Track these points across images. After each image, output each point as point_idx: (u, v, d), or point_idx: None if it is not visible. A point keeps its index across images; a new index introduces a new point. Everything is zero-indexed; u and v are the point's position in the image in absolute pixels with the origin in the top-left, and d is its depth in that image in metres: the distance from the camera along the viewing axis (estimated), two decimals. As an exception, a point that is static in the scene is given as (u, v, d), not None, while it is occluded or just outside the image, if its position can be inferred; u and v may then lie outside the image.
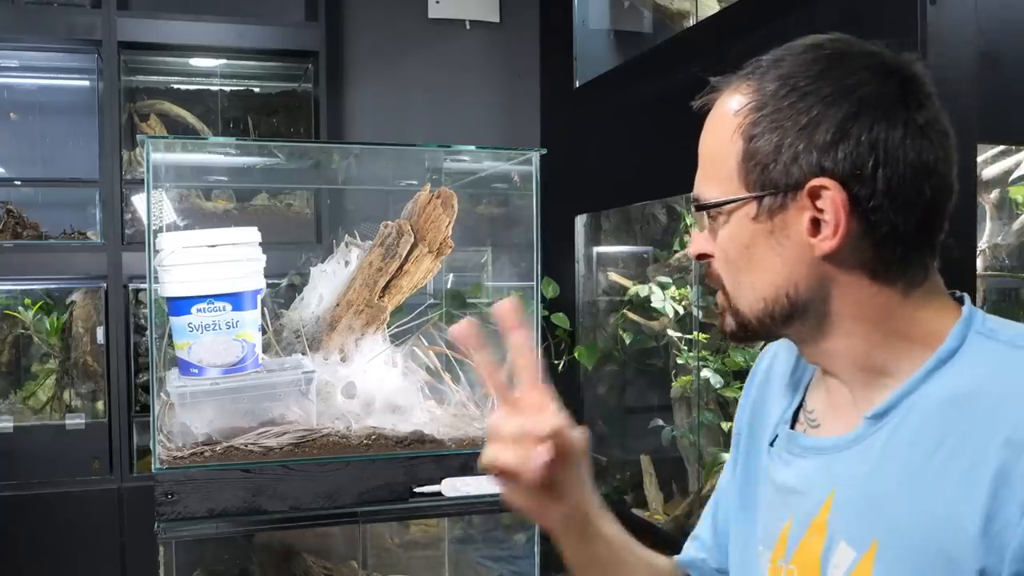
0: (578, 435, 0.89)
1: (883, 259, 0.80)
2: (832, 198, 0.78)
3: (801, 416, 0.93)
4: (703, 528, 1.10)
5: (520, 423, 0.85)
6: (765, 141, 0.80)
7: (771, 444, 0.93)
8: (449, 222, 1.83)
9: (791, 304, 0.83)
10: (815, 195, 0.79)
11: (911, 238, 0.80)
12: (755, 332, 0.87)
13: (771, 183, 0.80)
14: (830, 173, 0.78)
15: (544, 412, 0.87)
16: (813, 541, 0.84)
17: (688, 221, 3.10)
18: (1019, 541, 0.70)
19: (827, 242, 0.79)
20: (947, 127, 0.81)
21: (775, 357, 1.03)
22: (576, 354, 3.35)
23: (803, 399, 0.94)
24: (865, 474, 0.80)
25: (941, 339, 0.80)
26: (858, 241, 0.79)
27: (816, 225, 0.79)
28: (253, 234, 1.70)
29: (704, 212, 0.86)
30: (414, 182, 2.11)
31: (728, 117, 0.83)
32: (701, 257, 0.89)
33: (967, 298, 0.85)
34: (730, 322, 0.88)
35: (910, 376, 0.80)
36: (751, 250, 0.83)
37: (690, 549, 1.10)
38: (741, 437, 1.03)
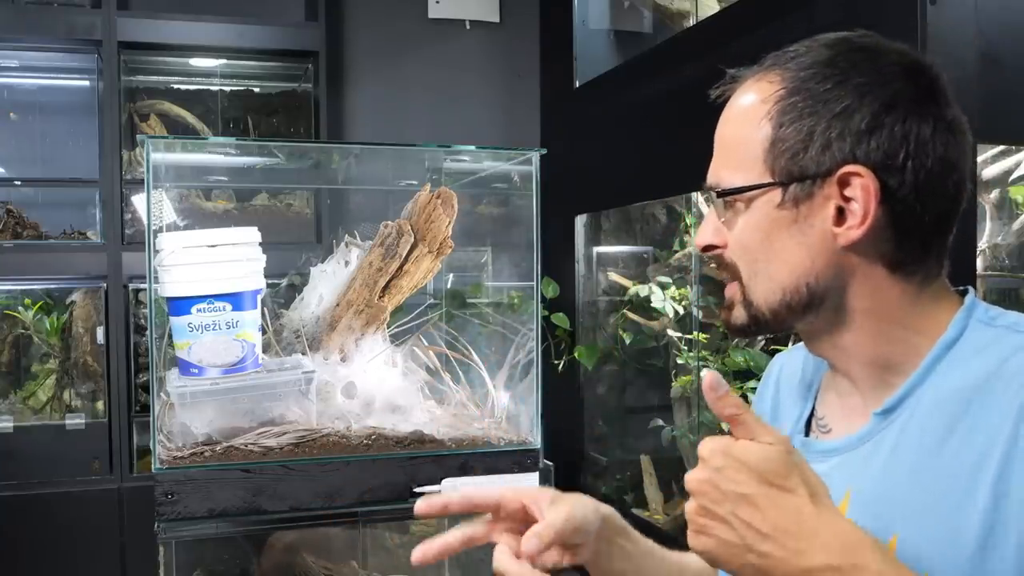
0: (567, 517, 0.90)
1: (903, 252, 0.81)
2: (864, 185, 0.78)
3: (813, 424, 0.93)
4: None
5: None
6: (795, 128, 0.79)
7: None
8: (449, 222, 1.83)
9: (810, 295, 0.82)
10: (845, 183, 0.79)
11: (931, 232, 0.81)
12: (766, 324, 0.86)
13: (799, 170, 0.80)
14: (862, 161, 0.78)
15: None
16: None
17: (689, 221, 3.10)
18: None
19: (853, 231, 0.79)
20: (967, 128, 0.83)
21: (782, 368, 1.03)
22: (576, 354, 3.35)
23: (814, 406, 0.94)
24: (879, 470, 0.81)
25: (944, 330, 0.81)
26: (881, 232, 0.79)
27: (841, 214, 0.79)
28: (253, 234, 1.70)
29: (722, 200, 0.84)
30: (414, 182, 2.11)
31: (754, 104, 0.82)
32: (708, 249, 0.87)
33: (971, 290, 0.86)
34: (740, 315, 0.86)
35: (916, 370, 0.81)
36: (772, 239, 0.82)
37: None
38: None
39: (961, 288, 0.86)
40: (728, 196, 0.83)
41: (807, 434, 0.93)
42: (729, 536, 0.70)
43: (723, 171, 0.84)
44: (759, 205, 0.82)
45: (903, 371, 0.82)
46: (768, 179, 0.81)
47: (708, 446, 0.71)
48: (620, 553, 0.96)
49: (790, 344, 1.05)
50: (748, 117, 0.82)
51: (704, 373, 0.74)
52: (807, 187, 0.80)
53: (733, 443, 0.70)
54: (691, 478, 0.72)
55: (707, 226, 0.87)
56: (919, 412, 0.79)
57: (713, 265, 0.89)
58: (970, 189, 0.83)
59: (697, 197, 2.80)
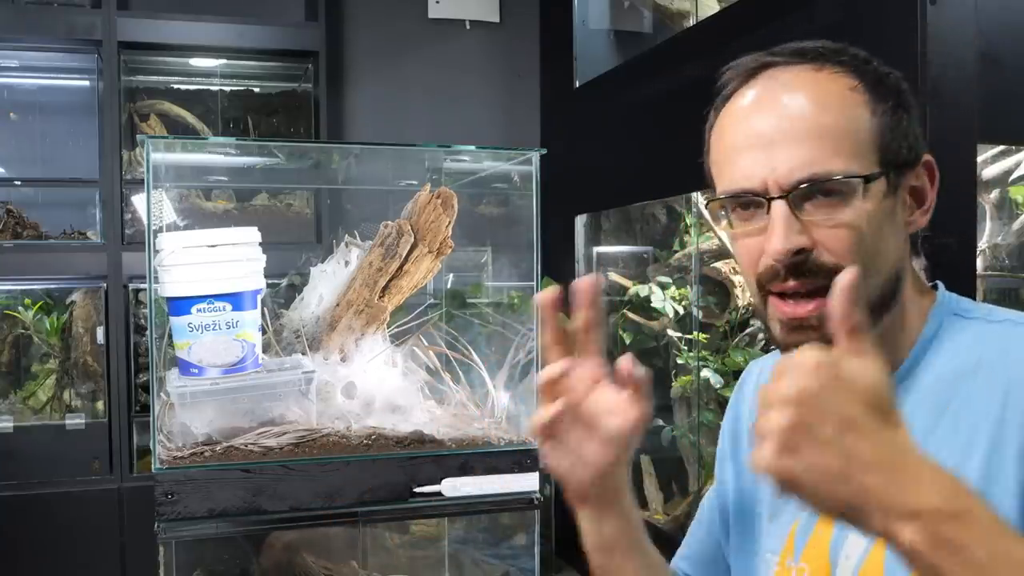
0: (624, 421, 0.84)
1: (915, 243, 0.87)
2: (931, 172, 0.83)
3: None
4: (690, 546, 1.08)
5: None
6: (893, 118, 0.80)
7: None
8: (449, 222, 1.83)
9: (894, 286, 0.81)
10: (923, 168, 0.82)
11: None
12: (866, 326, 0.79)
13: (902, 158, 0.80)
14: (924, 150, 0.82)
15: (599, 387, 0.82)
16: (821, 537, 0.84)
17: (688, 221, 3.10)
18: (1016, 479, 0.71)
19: (923, 217, 0.82)
20: None
21: (760, 374, 1.01)
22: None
23: None
24: None
25: (922, 323, 0.83)
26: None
27: (915, 199, 0.82)
28: (253, 234, 1.70)
29: (811, 195, 0.77)
30: (414, 182, 2.11)
31: (846, 94, 0.79)
32: (798, 254, 0.77)
33: (940, 284, 0.87)
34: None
35: (901, 365, 0.82)
36: (883, 228, 0.79)
37: (680, 564, 1.08)
38: (726, 456, 1.01)
39: (932, 283, 0.88)
40: (870, 181, 0.77)
41: None
42: (826, 461, 0.60)
43: (834, 160, 0.77)
44: (873, 194, 0.78)
45: (891, 365, 0.81)
46: (878, 168, 0.78)
47: (815, 357, 0.62)
48: (622, 512, 0.93)
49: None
50: (843, 105, 0.78)
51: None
52: (904, 175, 0.81)
53: (844, 358, 0.62)
54: (790, 386, 0.61)
55: (788, 230, 0.77)
56: (905, 405, 0.79)
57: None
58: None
59: (697, 197, 2.80)
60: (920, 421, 0.78)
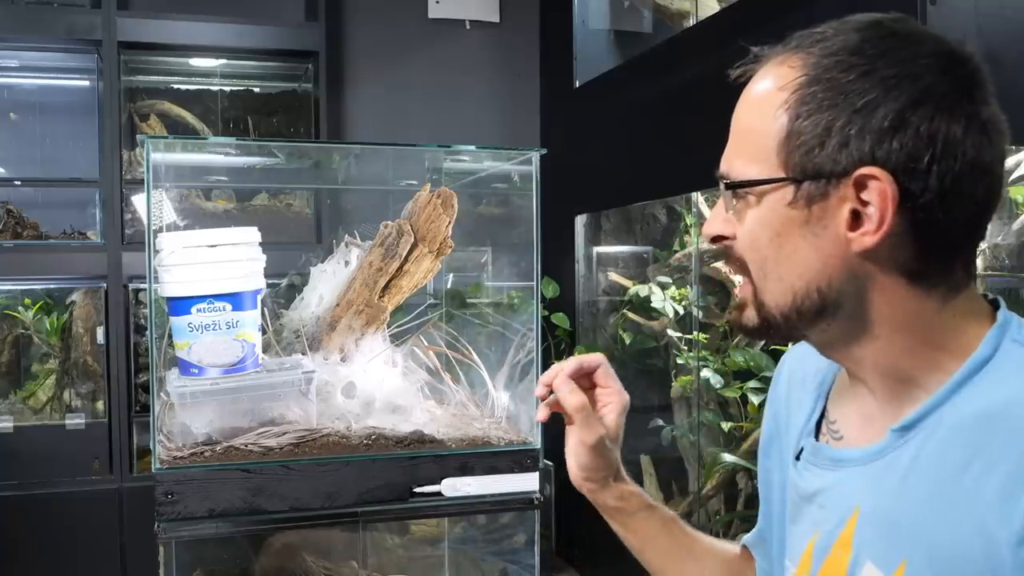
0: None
1: (924, 261, 0.74)
2: (880, 190, 0.71)
3: (824, 427, 0.88)
4: (761, 514, 1.05)
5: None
6: (813, 121, 0.73)
7: (797, 457, 0.89)
8: (449, 222, 1.83)
9: (821, 301, 0.76)
10: (861, 185, 0.72)
11: (958, 241, 0.75)
12: (778, 330, 0.80)
13: (814, 167, 0.73)
14: (881, 163, 0.71)
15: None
16: (839, 559, 0.79)
17: (689, 221, 3.10)
18: None
19: (868, 237, 0.72)
20: (1005, 127, 0.76)
21: (793, 366, 0.98)
22: (576, 354, 3.34)
23: (825, 408, 0.89)
24: (891, 490, 0.76)
25: (973, 348, 0.75)
26: (901, 239, 0.73)
27: (857, 218, 0.73)
28: (253, 234, 1.70)
29: (732, 191, 0.78)
30: (414, 182, 2.11)
31: (772, 91, 0.76)
32: (716, 240, 0.81)
33: (1002, 302, 0.79)
34: (751, 316, 0.81)
35: (940, 388, 0.75)
36: (783, 238, 0.76)
37: (746, 539, 1.07)
38: (773, 441, 0.98)
39: (991, 298, 0.80)
40: (737, 188, 0.78)
41: (816, 437, 0.88)
42: None
43: (736, 160, 0.78)
44: (771, 201, 0.76)
45: (925, 387, 0.76)
46: (781, 174, 0.75)
47: None
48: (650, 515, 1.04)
49: (790, 344, 1.01)
50: (764, 105, 0.76)
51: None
52: (821, 186, 0.73)
53: None
54: None
55: (716, 216, 0.81)
56: (939, 434, 0.74)
57: (719, 263, 0.86)
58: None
59: (697, 197, 2.80)
60: (953, 456, 0.72)
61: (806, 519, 0.86)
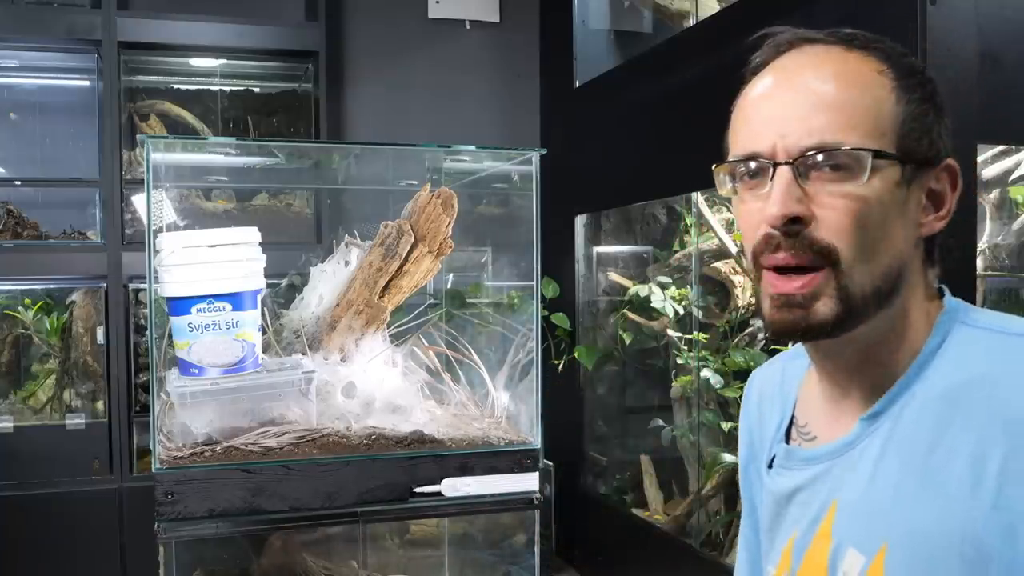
0: None
1: (932, 251, 0.82)
2: (953, 181, 0.80)
3: (794, 432, 0.91)
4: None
5: None
6: (920, 109, 0.78)
7: (769, 466, 0.91)
8: (449, 222, 1.83)
9: (894, 283, 0.78)
10: (939, 175, 0.80)
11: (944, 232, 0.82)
12: (857, 317, 0.77)
13: (920, 152, 0.78)
14: (949, 155, 0.80)
15: None
16: (819, 550, 0.81)
17: (688, 221, 3.10)
18: None
19: (938, 223, 0.80)
20: None
21: (762, 380, 1.00)
22: (576, 354, 3.35)
23: (793, 415, 0.92)
24: (866, 477, 0.78)
25: (927, 333, 0.80)
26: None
27: (932, 202, 0.80)
28: (253, 234, 1.70)
29: (817, 167, 0.75)
30: (414, 182, 2.11)
31: (871, 73, 0.77)
32: (793, 221, 0.75)
33: (946, 290, 0.84)
34: (829, 308, 0.76)
35: (905, 372, 0.79)
36: (888, 216, 0.76)
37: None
38: (750, 465, 0.99)
39: (937, 287, 0.84)
40: (876, 158, 0.75)
41: (787, 441, 0.91)
42: None
43: (848, 133, 0.75)
44: (884, 177, 0.75)
45: (892, 374, 0.80)
46: (894, 152, 0.76)
47: None
48: None
49: (791, 345, 1.02)
50: (870, 84, 0.77)
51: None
52: (921, 171, 0.78)
53: None
54: None
55: (787, 195, 0.75)
56: (906, 417, 0.77)
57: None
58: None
59: (697, 197, 2.80)
60: (920, 436, 0.76)
61: (785, 521, 0.88)
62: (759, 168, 0.78)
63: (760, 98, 0.80)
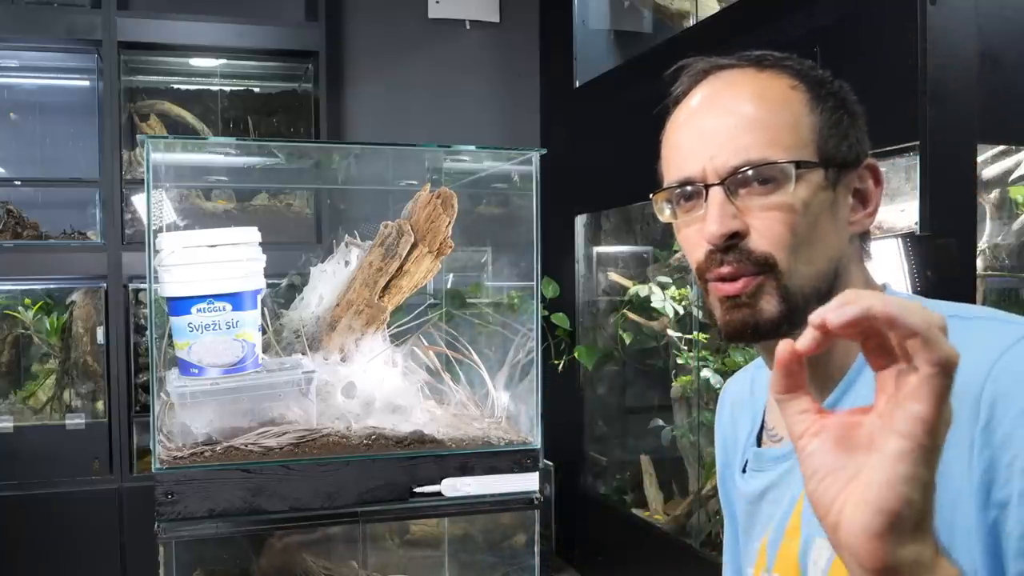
0: None
1: (865, 244, 0.86)
2: (876, 178, 0.85)
3: (764, 435, 0.94)
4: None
5: None
6: (835, 117, 0.82)
7: (744, 470, 0.94)
8: (449, 222, 1.83)
9: (832, 279, 0.82)
10: (863, 175, 0.84)
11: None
12: (800, 315, 0.78)
13: (840, 156, 0.82)
14: (867, 154, 0.85)
15: None
16: (790, 544, 0.84)
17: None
18: (1019, 490, 0.67)
19: (867, 219, 0.83)
20: None
21: (735, 390, 1.04)
22: (576, 354, 3.35)
23: (763, 419, 0.94)
24: None
25: None
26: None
27: (859, 200, 0.84)
28: (253, 234, 1.70)
29: (746, 183, 0.79)
30: (414, 182, 2.11)
31: (786, 90, 0.82)
32: (732, 237, 0.80)
33: (889, 285, 0.88)
34: (772, 307, 0.80)
35: (853, 365, 0.81)
36: (819, 220, 0.80)
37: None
38: (726, 470, 1.02)
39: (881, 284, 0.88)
40: (798, 167, 0.80)
41: (759, 445, 0.93)
42: None
43: (771, 149, 0.80)
44: (810, 185, 0.80)
45: (843, 366, 0.82)
46: (816, 160, 0.81)
47: None
48: None
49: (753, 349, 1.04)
50: (790, 101, 0.82)
51: None
52: (843, 173, 0.82)
53: None
54: None
55: (722, 215, 0.80)
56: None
57: (722, 267, 0.81)
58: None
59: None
60: None
61: (759, 521, 0.90)
62: (693, 191, 0.83)
63: (685, 125, 0.86)
